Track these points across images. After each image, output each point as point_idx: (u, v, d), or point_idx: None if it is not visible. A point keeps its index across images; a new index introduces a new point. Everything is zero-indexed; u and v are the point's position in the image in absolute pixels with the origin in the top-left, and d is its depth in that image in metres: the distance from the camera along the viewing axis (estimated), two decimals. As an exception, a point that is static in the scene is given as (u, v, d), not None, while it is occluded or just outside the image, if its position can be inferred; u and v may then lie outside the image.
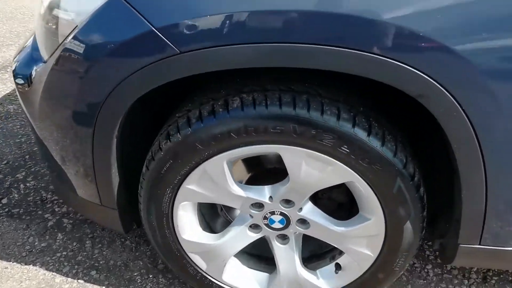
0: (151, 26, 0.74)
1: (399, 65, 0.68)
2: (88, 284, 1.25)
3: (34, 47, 1.06)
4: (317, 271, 1.08)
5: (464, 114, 0.72)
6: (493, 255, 0.93)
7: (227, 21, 0.72)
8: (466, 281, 1.23)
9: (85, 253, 1.34)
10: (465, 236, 0.90)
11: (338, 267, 1.06)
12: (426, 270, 1.27)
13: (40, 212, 1.51)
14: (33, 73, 0.95)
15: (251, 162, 1.07)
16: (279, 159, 1.01)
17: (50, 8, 0.90)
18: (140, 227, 1.32)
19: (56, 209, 1.52)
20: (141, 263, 1.31)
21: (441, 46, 0.67)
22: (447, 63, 0.68)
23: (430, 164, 0.95)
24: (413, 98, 0.73)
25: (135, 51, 0.78)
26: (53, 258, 1.33)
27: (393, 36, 0.67)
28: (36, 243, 1.38)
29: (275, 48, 0.73)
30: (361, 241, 0.97)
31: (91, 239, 1.40)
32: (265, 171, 1.07)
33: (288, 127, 0.81)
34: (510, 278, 1.23)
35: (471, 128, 0.74)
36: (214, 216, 1.16)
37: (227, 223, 1.12)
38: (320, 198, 1.06)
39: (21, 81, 0.98)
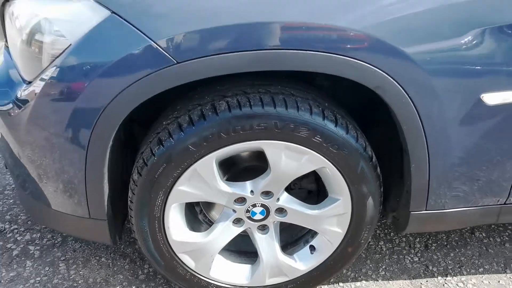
0: (150, 40, 0.84)
1: (362, 63, 0.86)
2: (69, 304, 1.25)
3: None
4: (294, 255, 1.21)
5: (411, 102, 0.92)
6: (436, 218, 1.14)
7: (218, 33, 0.85)
8: (412, 250, 1.45)
9: (60, 276, 1.34)
10: (414, 204, 1.10)
11: (312, 248, 1.21)
12: (379, 246, 1.47)
13: (0, 243, 1.46)
14: (19, 95, 0.98)
15: (228, 163, 1.19)
16: (253, 157, 1.14)
17: (32, 33, 0.95)
18: (121, 239, 1.35)
19: (18, 238, 1.48)
20: (122, 277, 1.34)
21: (394, 48, 0.87)
22: (398, 62, 0.88)
23: (382, 150, 1.14)
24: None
25: (132, 65, 0.87)
26: (26, 285, 1.30)
27: (356, 41, 0.86)
28: (3, 274, 1.34)
29: (258, 55, 0.87)
30: (332, 220, 1.13)
31: (64, 261, 1.39)
32: (241, 170, 1.19)
33: (270, 124, 0.95)
34: (445, 243, 1.48)
35: (416, 112, 0.94)
36: (193, 221, 1.25)
37: (207, 225, 1.23)
38: (292, 189, 1.21)
39: (6, 105, 1.00)
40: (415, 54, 0.89)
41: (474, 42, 0.91)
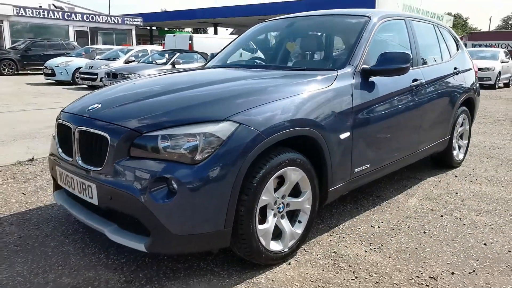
0: (258, 131, 2.13)
1: (309, 129, 2.41)
2: (206, 298, 2.09)
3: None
4: (294, 227, 2.53)
5: (325, 141, 2.52)
6: (336, 190, 2.73)
7: (282, 124, 2.23)
8: (320, 221, 2.97)
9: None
10: (329, 185, 2.67)
11: (299, 221, 2.56)
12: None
13: None
14: (199, 170, 2.00)
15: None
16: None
17: (193, 142, 2.04)
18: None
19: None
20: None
21: (312, 121, 2.47)
22: (317, 127, 2.48)
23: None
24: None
25: (253, 143, 2.10)
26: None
27: (308, 123, 2.42)
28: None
29: (288, 133, 2.29)
30: (306, 201, 2.54)
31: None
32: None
33: (288, 159, 2.34)
34: (332, 212, 3.08)
35: (326, 145, 2.55)
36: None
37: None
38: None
39: (193, 185, 1.98)
40: (322, 123, 2.51)
41: (331, 118, 2.63)
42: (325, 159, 2.58)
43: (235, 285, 2.21)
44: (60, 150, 2.55)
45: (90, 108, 2.42)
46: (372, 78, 2.99)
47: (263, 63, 3.61)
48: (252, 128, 2.14)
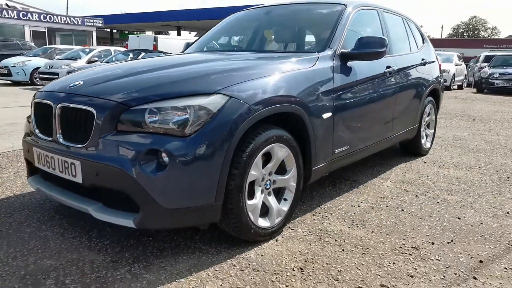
0: (248, 105, 2.14)
1: (294, 106, 2.45)
2: (198, 272, 2.07)
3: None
4: (280, 205, 2.55)
5: (309, 119, 2.57)
6: (318, 170, 2.79)
7: (270, 99, 2.25)
8: (303, 201, 3.01)
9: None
10: (313, 164, 2.72)
11: (285, 199, 2.59)
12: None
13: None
14: (189, 142, 1.98)
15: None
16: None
17: (183, 114, 2.03)
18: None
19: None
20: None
21: (298, 99, 2.52)
22: (302, 105, 2.52)
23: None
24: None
25: (243, 115, 2.11)
26: (163, 278, 2.00)
27: (296, 100, 2.46)
28: (140, 283, 1.96)
29: (276, 108, 2.32)
30: (291, 179, 2.58)
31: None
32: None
33: (275, 136, 2.36)
34: (314, 193, 3.13)
35: (310, 123, 2.60)
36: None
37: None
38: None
39: (184, 157, 1.96)
40: (306, 101, 2.56)
41: (316, 98, 2.69)
42: (309, 137, 2.62)
43: (225, 261, 2.20)
44: (37, 130, 2.45)
45: (71, 85, 2.34)
46: (350, 63, 3.08)
47: (244, 48, 3.62)
48: (242, 101, 2.15)
